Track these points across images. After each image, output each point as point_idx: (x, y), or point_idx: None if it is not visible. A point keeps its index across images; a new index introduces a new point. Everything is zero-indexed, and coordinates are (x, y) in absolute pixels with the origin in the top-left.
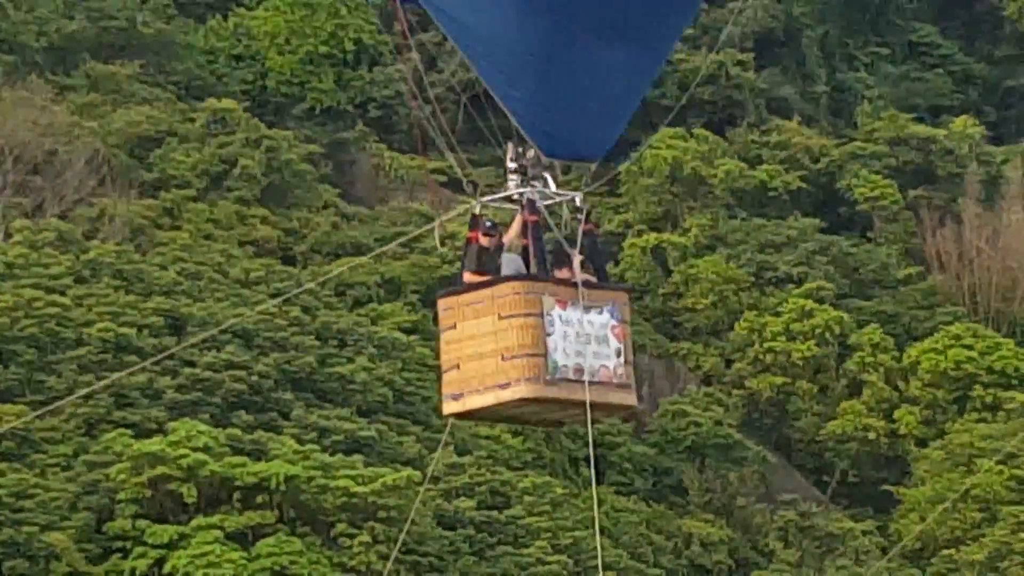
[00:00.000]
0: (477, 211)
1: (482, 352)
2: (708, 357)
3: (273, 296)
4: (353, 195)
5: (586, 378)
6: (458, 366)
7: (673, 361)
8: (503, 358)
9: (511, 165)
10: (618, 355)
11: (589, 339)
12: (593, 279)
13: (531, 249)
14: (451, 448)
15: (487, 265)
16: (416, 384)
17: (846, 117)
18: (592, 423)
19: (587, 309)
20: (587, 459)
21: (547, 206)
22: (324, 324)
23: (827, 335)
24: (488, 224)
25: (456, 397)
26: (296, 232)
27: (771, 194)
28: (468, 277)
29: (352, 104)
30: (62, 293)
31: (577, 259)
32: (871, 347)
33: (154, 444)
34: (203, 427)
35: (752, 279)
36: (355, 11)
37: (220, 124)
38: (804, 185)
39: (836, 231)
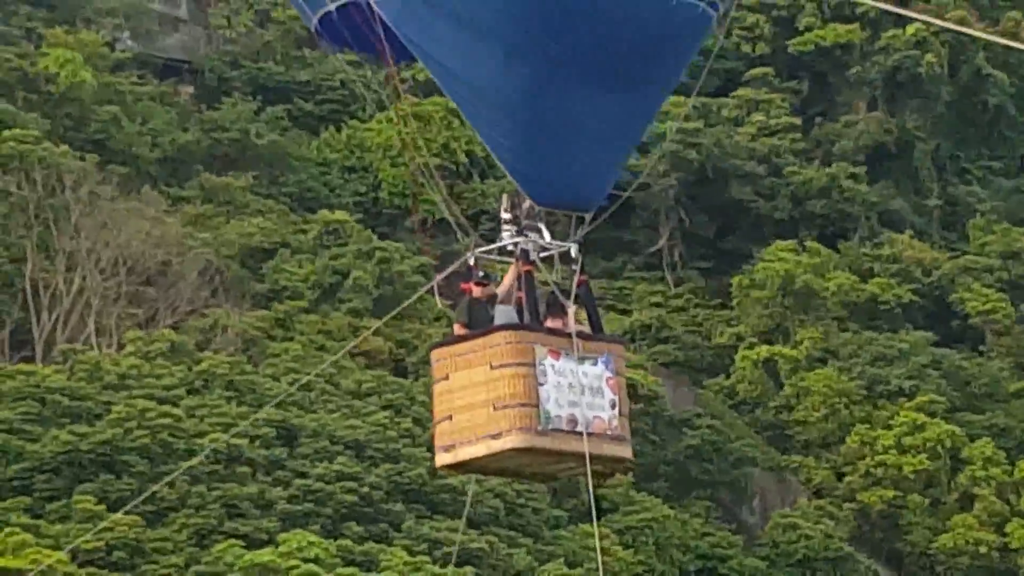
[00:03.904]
0: (472, 262)
1: (474, 403)
2: (819, 470)
3: (384, 408)
4: None
5: (581, 428)
6: (451, 417)
7: (784, 474)
8: (495, 408)
9: (506, 216)
10: (612, 407)
11: (583, 390)
12: (587, 330)
13: (524, 299)
14: (561, 560)
15: (479, 316)
16: (527, 496)
17: (958, 230)
18: (588, 476)
19: (581, 360)
20: (699, 571)
21: (542, 258)
22: None
23: (939, 449)
24: (480, 275)
25: (448, 448)
26: (408, 343)
27: (883, 307)
28: (458, 329)
29: (464, 216)
30: (174, 404)
31: (571, 309)
32: (983, 461)
33: (265, 555)
34: (314, 538)
35: (864, 392)
36: (467, 123)
37: (333, 236)
38: (916, 298)
39: (948, 344)
